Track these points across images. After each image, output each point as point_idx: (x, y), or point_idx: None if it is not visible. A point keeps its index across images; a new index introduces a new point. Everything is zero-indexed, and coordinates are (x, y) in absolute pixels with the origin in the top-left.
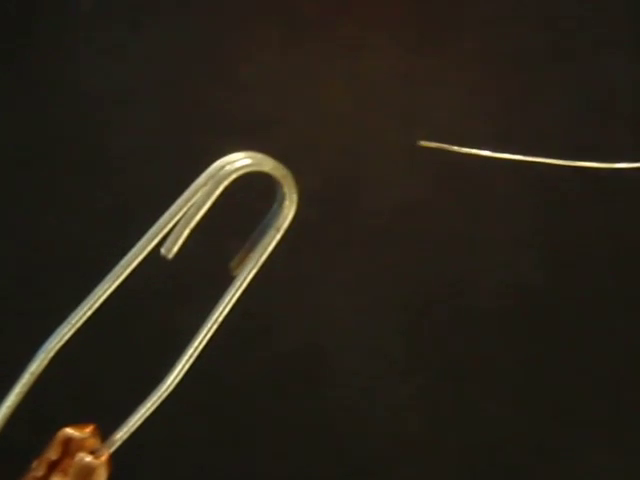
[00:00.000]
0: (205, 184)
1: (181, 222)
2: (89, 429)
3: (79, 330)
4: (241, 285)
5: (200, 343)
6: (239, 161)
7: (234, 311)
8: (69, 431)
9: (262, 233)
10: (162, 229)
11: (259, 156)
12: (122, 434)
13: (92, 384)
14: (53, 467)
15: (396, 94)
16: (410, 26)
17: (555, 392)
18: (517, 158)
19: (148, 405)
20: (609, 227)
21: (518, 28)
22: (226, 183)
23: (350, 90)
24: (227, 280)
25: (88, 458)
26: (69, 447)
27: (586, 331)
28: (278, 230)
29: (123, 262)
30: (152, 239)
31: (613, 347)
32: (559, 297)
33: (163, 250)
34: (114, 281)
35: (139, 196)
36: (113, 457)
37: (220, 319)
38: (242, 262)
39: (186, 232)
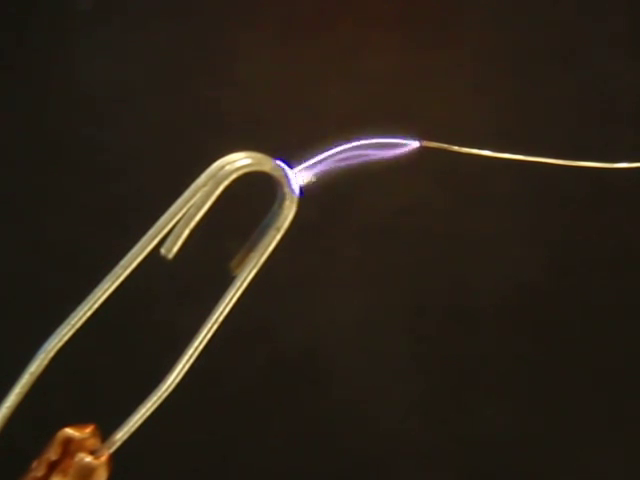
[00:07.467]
0: (205, 184)
1: (181, 222)
2: (89, 429)
3: (79, 330)
4: (241, 285)
5: (200, 343)
6: (239, 161)
7: (234, 311)
8: (69, 431)
9: (262, 233)
10: (162, 229)
11: (259, 156)
12: (122, 434)
13: (92, 384)
14: (53, 467)
15: (396, 94)
16: (410, 26)
17: (555, 392)
18: (517, 158)
19: (148, 405)
20: (609, 227)
21: (518, 28)
22: (226, 183)
23: (350, 90)
24: (227, 280)
25: (88, 458)
26: (69, 447)
27: (586, 331)
28: (278, 230)
29: (123, 262)
30: (152, 239)
31: (613, 347)
32: (559, 297)
33: (163, 250)
34: (114, 281)
35: (139, 196)
36: (113, 457)
37: (220, 319)
38: (242, 262)
39: (186, 232)
